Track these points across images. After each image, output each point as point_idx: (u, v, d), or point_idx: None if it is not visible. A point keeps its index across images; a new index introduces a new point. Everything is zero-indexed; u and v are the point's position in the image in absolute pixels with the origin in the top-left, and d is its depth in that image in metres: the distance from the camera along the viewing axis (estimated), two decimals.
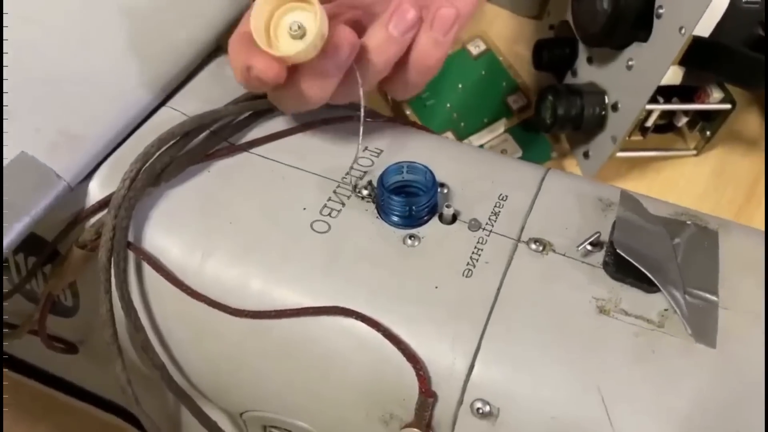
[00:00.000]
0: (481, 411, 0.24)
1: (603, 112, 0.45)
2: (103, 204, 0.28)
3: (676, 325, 0.24)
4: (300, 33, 0.25)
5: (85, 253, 0.28)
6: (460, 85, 0.51)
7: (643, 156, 0.49)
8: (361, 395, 0.26)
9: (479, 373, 0.24)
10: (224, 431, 0.31)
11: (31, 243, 0.29)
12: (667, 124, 0.49)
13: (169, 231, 0.28)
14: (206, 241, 0.28)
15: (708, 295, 0.25)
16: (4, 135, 0.26)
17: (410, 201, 0.27)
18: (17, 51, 0.27)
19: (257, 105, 0.31)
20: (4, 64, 0.26)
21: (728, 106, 0.45)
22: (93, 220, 0.28)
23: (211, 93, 0.33)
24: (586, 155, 0.48)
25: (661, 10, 0.39)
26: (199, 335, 0.28)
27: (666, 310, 0.25)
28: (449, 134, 0.49)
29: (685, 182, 0.48)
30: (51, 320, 0.32)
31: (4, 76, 0.26)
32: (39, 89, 0.28)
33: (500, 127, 0.49)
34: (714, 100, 0.45)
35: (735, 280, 0.26)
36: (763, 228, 0.29)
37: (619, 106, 0.44)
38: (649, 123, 0.47)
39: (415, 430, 0.25)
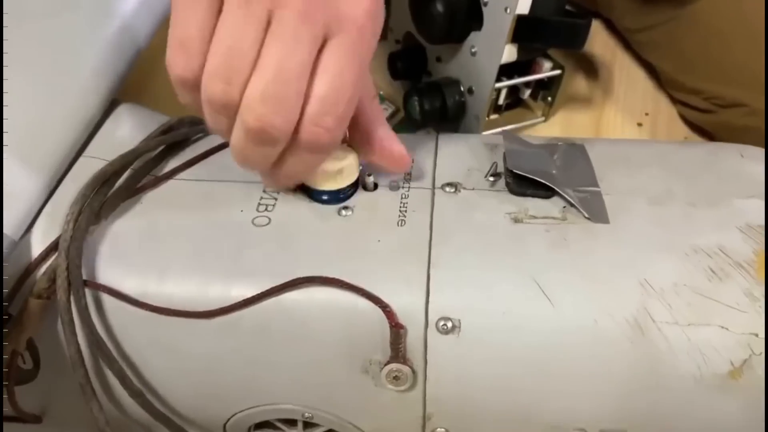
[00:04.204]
0: (445, 327, 0.28)
1: (462, 98, 0.51)
2: (50, 250, 0.29)
3: (576, 216, 0.30)
4: None
5: (42, 302, 0.29)
6: None
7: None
8: (339, 352, 0.29)
9: (435, 298, 0.28)
10: None
11: None
12: (514, 100, 0.56)
13: (120, 262, 0.30)
14: (158, 262, 0.30)
15: (592, 188, 0.31)
16: None
17: None
18: None
19: (169, 139, 0.34)
20: None
21: (559, 71, 0.53)
22: (42, 269, 0.29)
23: (118, 138, 0.35)
24: None
25: None
26: (173, 352, 0.30)
27: (564, 207, 0.30)
28: None
29: None
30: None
31: None
32: None
33: None
34: (546, 69, 0.53)
35: (607, 175, 0.32)
36: None
37: (474, 89, 0.50)
38: (501, 101, 0.54)
39: (394, 364, 0.28)
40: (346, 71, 0.26)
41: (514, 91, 0.54)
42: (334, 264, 0.29)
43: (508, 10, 0.45)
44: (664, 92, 0.57)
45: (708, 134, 0.54)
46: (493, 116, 0.56)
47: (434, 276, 0.28)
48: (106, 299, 0.29)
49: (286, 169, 0.28)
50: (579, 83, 0.59)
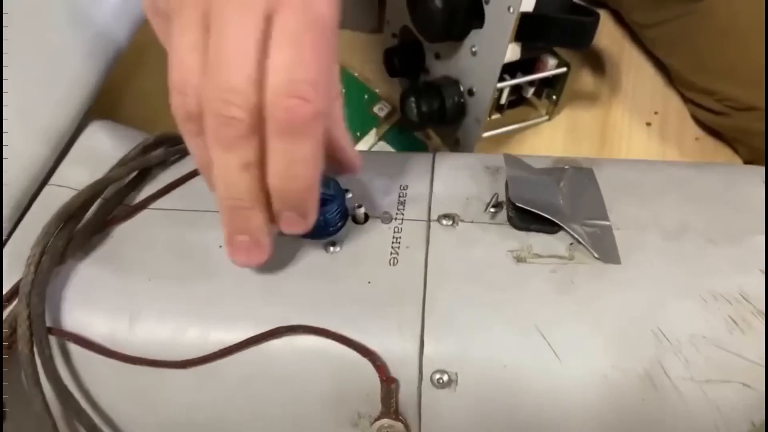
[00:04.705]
0: (441, 381, 0.25)
1: (462, 100, 0.48)
2: (11, 295, 0.27)
3: (584, 254, 0.27)
4: None
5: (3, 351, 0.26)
6: None
7: (505, 131, 0.53)
8: (326, 404, 0.26)
9: (430, 348, 0.26)
10: None
11: None
12: (517, 98, 0.53)
13: (88, 305, 0.27)
14: (129, 304, 0.27)
15: (601, 222, 0.28)
16: None
17: (322, 210, 0.28)
18: None
19: (143, 163, 0.31)
20: None
21: (564, 69, 0.50)
22: (4, 314, 0.27)
23: (88, 162, 0.32)
24: (456, 143, 0.51)
25: None
26: (148, 403, 0.28)
27: (571, 244, 0.28)
28: None
29: (546, 146, 0.53)
30: None
31: None
32: None
33: (372, 136, 0.52)
34: (551, 67, 0.50)
35: (618, 205, 0.29)
36: None
37: (474, 90, 0.47)
38: (503, 100, 0.51)
39: (386, 420, 0.26)
40: (304, 34, 0.22)
41: (516, 89, 0.51)
42: (320, 308, 0.27)
43: (512, 9, 0.42)
44: (674, 89, 0.54)
45: (721, 135, 0.51)
46: (495, 116, 0.53)
47: (429, 324, 0.26)
48: (74, 347, 0.27)
49: (281, 180, 0.24)
50: (585, 79, 0.56)
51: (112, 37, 0.34)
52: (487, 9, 0.43)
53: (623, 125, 0.54)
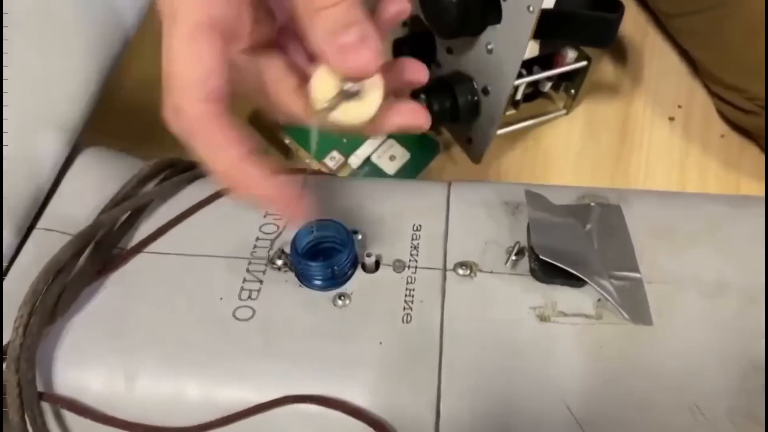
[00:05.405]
0: None
1: (475, 98, 0.45)
2: None
3: (613, 313, 0.25)
4: None
5: None
6: None
7: (521, 127, 0.50)
8: None
9: (447, 416, 0.24)
10: None
11: None
12: (534, 91, 0.50)
13: (82, 366, 0.26)
14: (126, 362, 0.26)
15: (631, 274, 0.26)
16: None
17: (330, 262, 0.26)
18: None
19: (136, 203, 0.29)
20: None
21: (584, 63, 0.47)
22: None
23: (81, 198, 0.30)
24: (469, 141, 0.48)
25: None
26: None
27: (599, 300, 0.26)
28: (335, 153, 0.48)
29: (564, 142, 0.50)
30: None
31: None
32: None
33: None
34: (570, 61, 0.47)
35: (648, 252, 0.27)
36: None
37: (489, 89, 0.44)
38: (519, 96, 0.49)
39: None
40: None
41: (533, 82, 0.48)
42: (328, 370, 0.25)
43: (531, 9, 0.38)
44: (700, 80, 0.51)
45: (748, 132, 0.49)
46: (510, 111, 0.50)
47: (445, 391, 0.24)
48: (68, 412, 0.25)
49: None
50: (605, 68, 0.53)
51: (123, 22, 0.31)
52: (504, 5, 0.40)
53: (645, 119, 0.51)
